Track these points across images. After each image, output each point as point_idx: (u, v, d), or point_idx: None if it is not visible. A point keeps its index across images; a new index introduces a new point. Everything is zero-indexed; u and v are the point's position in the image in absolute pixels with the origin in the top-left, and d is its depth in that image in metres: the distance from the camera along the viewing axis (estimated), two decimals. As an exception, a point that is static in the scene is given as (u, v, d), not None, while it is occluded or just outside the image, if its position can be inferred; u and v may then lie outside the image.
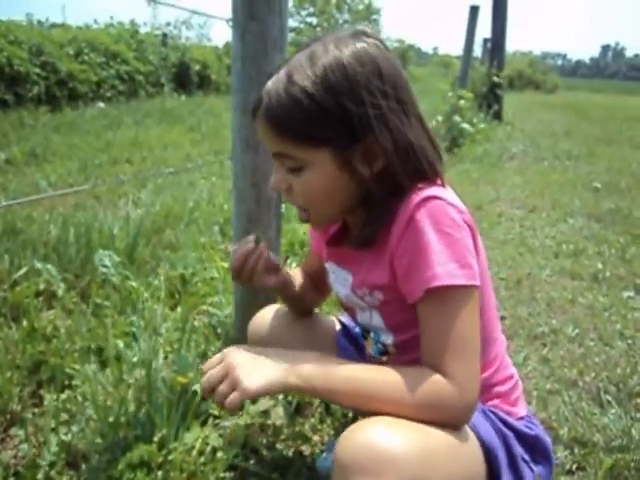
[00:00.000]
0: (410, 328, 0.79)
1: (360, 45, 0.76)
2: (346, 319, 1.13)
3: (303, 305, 1.10)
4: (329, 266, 0.96)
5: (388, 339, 0.88)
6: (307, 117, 0.74)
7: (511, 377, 0.92)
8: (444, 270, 0.72)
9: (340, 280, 0.92)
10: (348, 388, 0.74)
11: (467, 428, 0.77)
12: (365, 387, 0.74)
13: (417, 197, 0.75)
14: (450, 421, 0.73)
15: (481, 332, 0.82)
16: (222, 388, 0.74)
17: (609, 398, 1.38)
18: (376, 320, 0.87)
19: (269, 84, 0.77)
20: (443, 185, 0.81)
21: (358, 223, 0.85)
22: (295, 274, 1.09)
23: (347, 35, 0.78)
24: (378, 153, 0.76)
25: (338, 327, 1.12)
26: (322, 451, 1.15)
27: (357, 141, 0.75)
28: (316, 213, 0.83)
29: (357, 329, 1.07)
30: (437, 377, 0.72)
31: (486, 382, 0.86)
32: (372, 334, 0.92)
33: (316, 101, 0.73)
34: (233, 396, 0.73)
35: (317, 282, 1.08)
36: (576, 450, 1.19)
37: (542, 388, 1.43)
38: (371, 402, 0.73)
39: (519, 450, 0.84)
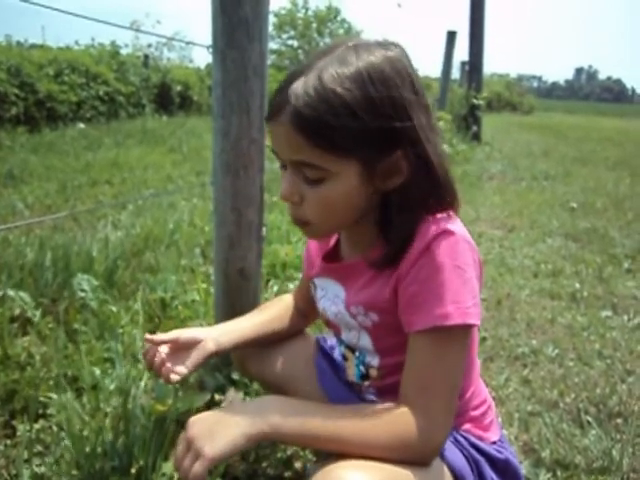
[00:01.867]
0: (399, 352, 0.79)
1: (391, 53, 0.73)
2: (324, 341, 1.12)
3: (280, 337, 1.06)
4: (319, 282, 0.93)
5: (374, 361, 0.87)
6: (341, 124, 0.69)
7: (484, 401, 0.92)
8: (457, 308, 0.72)
9: (330, 296, 0.90)
10: (316, 432, 0.72)
11: (438, 459, 0.77)
12: (334, 431, 0.72)
13: (436, 228, 0.74)
14: (418, 459, 0.73)
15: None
16: (185, 463, 0.70)
17: (589, 419, 1.39)
18: (364, 341, 0.86)
19: (298, 87, 0.70)
20: (455, 212, 0.79)
21: (356, 235, 0.84)
22: (261, 317, 1.04)
23: (375, 43, 0.74)
24: (402, 168, 0.73)
25: (317, 347, 1.11)
26: (303, 478, 1.13)
27: (386, 154, 0.72)
28: (321, 226, 0.79)
29: (337, 352, 1.06)
30: (409, 417, 0.72)
31: (462, 407, 0.87)
32: (356, 353, 0.90)
33: (352, 108, 0.69)
34: (195, 468, 0.68)
35: (303, 308, 1.07)
36: (559, 473, 1.19)
37: (523, 410, 1.43)
38: (340, 445, 0.72)
39: (491, 475, 0.85)
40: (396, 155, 0.73)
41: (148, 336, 0.92)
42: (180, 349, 0.92)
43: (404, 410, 0.73)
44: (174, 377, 0.89)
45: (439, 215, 0.77)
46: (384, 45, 0.75)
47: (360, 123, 0.69)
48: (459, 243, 0.74)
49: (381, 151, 0.72)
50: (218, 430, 0.70)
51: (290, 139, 0.72)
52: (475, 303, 0.74)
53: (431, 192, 0.76)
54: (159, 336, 0.92)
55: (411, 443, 0.71)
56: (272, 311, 1.06)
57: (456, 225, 0.77)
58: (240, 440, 0.69)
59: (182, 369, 0.89)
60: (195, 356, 0.91)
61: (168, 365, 0.89)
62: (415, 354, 0.75)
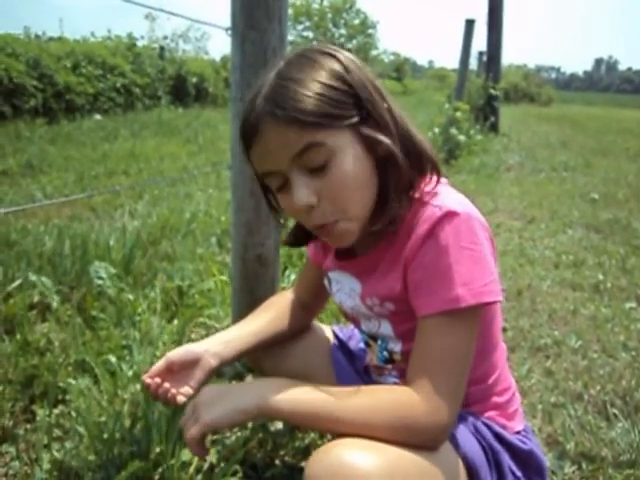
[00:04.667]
0: None
1: (342, 55, 0.75)
2: (340, 331, 1.10)
3: (286, 336, 1.03)
4: (334, 275, 0.92)
5: (396, 347, 0.87)
6: (324, 100, 0.70)
7: (509, 388, 0.91)
8: (469, 290, 0.71)
9: (346, 290, 0.89)
10: (315, 411, 0.72)
11: (449, 446, 0.75)
12: (332, 410, 0.72)
13: (438, 210, 0.73)
14: (423, 442, 0.71)
15: (487, 340, 0.84)
16: (187, 424, 0.76)
17: (615, 411, 1.36)
18: (385, 328, 0.86)
19: (267, 91, 0.72)
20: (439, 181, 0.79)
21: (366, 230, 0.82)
22: (255, 323, 1.01)
23: (319, 50, 0.76)
24: (391, 130, 0.75)
25: (333, 338, 1.10)
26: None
27: (371, 118, 0.74)
28: (349, 214, 0.76)
29: (356, 339, 1.06)
30: (410, 398, 0.71)
31: (485, 391, 0.86)
32: (379, 342, 0.90)
33: (327, 85, 0.71)
34: (191, 429, 0.74)
35: (309, 301, 1.05)
36: (584, 466, 1.16)
37: (547, 401, 1.40)
38: (340, 425, 0.71)
39: (510, 466, 0.83)
40: (377, 119, 0.74)
41: (146, 380, 0.88)
42: (181, 370, 0.89)
43: (407, 392, 0.72)
44: (180, 399, 0.87)
45: (437, 193, 0.76)
46: (331, 49, 0.76)
47: (339, 93, 0.71)
48: (464, 223, 0.73)
49: (364, 115, 0.74)
50: (218, 401, 0.75)
51: (283, 135, 0.71)
52: (493, 280, 0.73)
53: (417, 161, 0.77)
54: (153, 370, 0.89)
55: (413, 425, 0.70)
56: (273, 311, 1.03)
57: (456, 200, 0.75)
58: (235, 413, 0.74)
59: (187, 390, 0.88)
60: (198, 375, 0.89)
61: (173, 391, 0.87)
62: (422, 337, 0.74)
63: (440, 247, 0.72)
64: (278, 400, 0.73)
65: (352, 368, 1.03)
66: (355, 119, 0.73)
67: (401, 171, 0.75)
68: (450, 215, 0.72)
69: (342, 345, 1.08)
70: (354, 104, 0.73)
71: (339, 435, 0.71)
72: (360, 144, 0.74)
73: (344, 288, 0.90)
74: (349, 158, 0.73)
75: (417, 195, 0.77)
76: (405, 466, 0.68)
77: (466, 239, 0.72)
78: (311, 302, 1.05)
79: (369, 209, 0.78)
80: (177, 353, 0.90)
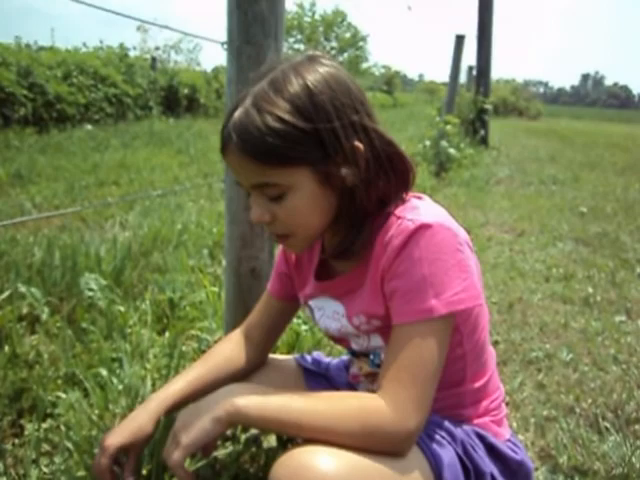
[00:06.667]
0: None
1: (323, 69, 0.77)
2: (304, 361, 1.09)
3: (237, 378, 0.97)
4: (315, 303, 0.93)
5: None
6: (282, 140, 0.73)
7: (499, 389, 0.92)
8: (440, 300, 0.73)
9: (329, 314, 0.90)
10: (282, 417, 0.73)
11: (419, 456, 0.75)
12: (299, 416, 0.72)
13: (412, 224, 0.76)
14: (389, 449, 0.72)
15: (474, 341, 0.85)
16: (169, 452, 0.74)
17: (607, 425, 1.36)
18: (375, 341, 0.87)
19: (235, 117, 0.75)
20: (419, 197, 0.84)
21: (336, 238, 0.84)
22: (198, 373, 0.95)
23: (304, 60, 0.78)
24: (358, 161, 0.76)
25: (298, 367, 1.08)
26: None
27: (333, 154, 0.75)
28: (299, 236, 0.81)
29: (328, 359, 1.08)
30: (377, 405, 0.72)
31: (476, 394, 0.86)
32: (370, 356, 0.90)
33: (289, 124, 0.72)
34: (173, 455, 0.73)
35: (260, 338, 1.02)
36: (577, 479, 1.16)
37: (539, 415, 1.41)
38: (306, 431, 0.72)
39: (494, 474, 0.82)
40: (344, 153, 0.75)
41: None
42: None
43: (375, 398, 0.73)
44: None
45: (410, 205, 0.80)
46: (314, 60, 0.78)
47: (299, 136, 0.73)
48: (436, 235, 0.75)
49: (326, 153, 0.75)
50: (192, 421, 0.75)
51: (243, 166, 0.76)
52: (466, 286, 0.75)
53: (389, 179, 0.80)
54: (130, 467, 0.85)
55: (378, 431, 0.71)
56: (211, 361, 0.98)
57: (431, 214, 0.78)
58: (209, 425, 0.73)
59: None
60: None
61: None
62: (394, 345, 0.76)
63: (414, 258, 0.74)
64: (247, 406, 0.73)
65: (331, 388, 1.03)
66: (314, 156, 0.74)
67: (361, 202, 0.79)
68: (423, 227, 0.75)
69: (310, 371, 1.07)
70: (314, 142, 0.74)
71: (307, 441, 0.72)
72: (318, 179, 0.76)
73: (327, 312, 0.91)
74: (303, 193, 0.76)
75: (395, 210, 0.80)
76: (366, 470, 0.70)
77: (439, 250, 0.75)
78: (263, 340, 1.02)
79: (320, 229, 0.82)
80: (141, 440, 0.85)
